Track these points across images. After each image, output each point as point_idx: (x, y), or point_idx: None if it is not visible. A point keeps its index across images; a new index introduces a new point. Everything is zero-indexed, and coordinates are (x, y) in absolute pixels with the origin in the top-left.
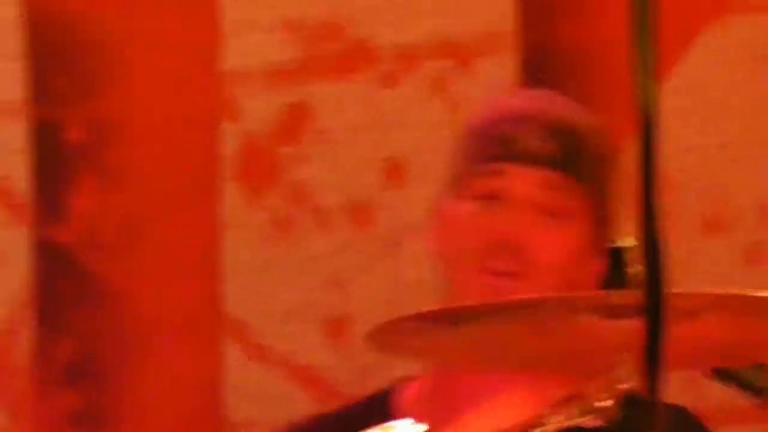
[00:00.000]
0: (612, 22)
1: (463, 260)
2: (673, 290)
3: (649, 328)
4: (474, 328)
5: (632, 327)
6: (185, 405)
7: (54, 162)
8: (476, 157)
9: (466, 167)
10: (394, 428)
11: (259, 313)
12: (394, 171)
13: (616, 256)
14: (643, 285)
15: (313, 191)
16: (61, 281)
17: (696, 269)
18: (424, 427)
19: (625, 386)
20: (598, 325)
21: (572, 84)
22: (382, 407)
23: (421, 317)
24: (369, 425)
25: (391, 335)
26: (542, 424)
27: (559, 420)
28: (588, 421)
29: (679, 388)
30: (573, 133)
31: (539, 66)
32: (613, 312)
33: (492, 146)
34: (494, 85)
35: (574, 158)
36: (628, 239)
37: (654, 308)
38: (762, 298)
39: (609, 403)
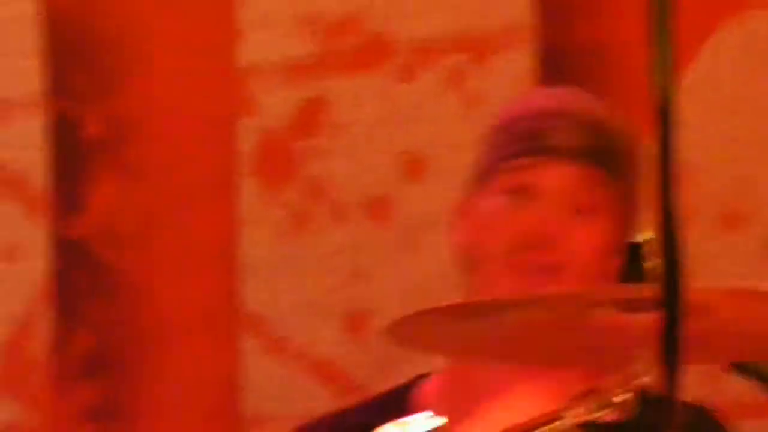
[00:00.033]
0: (630, 19)
1: (493, 254)
2: (691, 284)
3: (666, 322)
4: (492, 323)
5: (650, 321)
6: (203, 399)
7: (72, 157)
8: (507, 150)
9: (495, 161)
10: (412, 421)
11: (276, 307)
12: (412, 165)
13: (634, 250)
14: (660, 279)
15: (331, 186)
16: (78, 275)
17: (714, 263)
18: (443, 419)
19: (642, 380)
20: (616, 320)
21: (589, 80)
22: (402, 402)
23: (440, 311)
24: (388, 420)
25: (409, 329)
26: (560, 418)
27: (577, 414)
28: (606, 415)
29: (697, 383)
30: (603, 129)
31: (556, 61)
32: (631, 306)
33: (523, 140)
34: (511, 80)
35: (604, 153)
36: (645, 233)
37: (672, 302)
38: None
39: (627, 397)
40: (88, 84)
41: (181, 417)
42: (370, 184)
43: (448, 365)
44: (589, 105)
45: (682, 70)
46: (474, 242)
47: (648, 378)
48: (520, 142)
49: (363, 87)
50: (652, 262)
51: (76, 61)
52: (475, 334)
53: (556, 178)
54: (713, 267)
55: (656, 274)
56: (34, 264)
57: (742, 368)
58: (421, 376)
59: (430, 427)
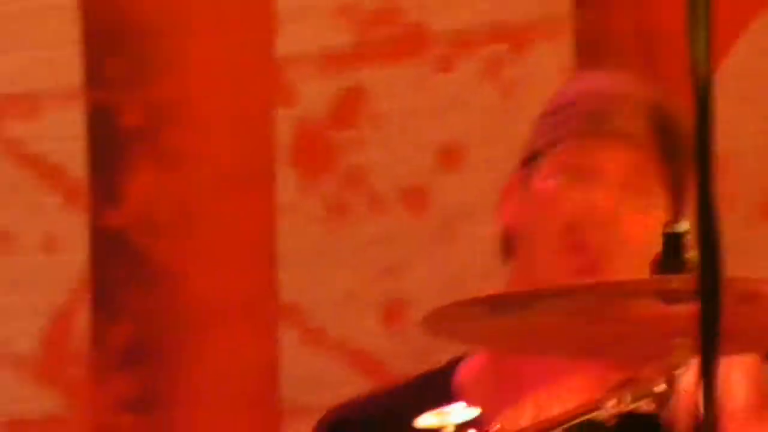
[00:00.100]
0: (668, 8)
1: (548, 234)
2: (729, 274)
3: (704, 312)
4: (529, 313)
5: (688, 312)
6: (240, 389)
7: (110, 147)
8: (565, 131)
9: (552, 141)
10: (448, 413)
11: (314, 297)
12: (449, 155)
13: (673, 240)
14: (699, 269)
15: (368, 176)
16: (117, 265)
17: (752, 253)
18: (477, 410)
19: (680, 371)
20: (655, 310)
21: (626, 69)
22: (441, 385)
23: (476, 302)
24: (427, 403)
25: (447, 320)
26: (598, 409)
27: (615, 405)
28: (644, 405)
29: None
30: (662, 115)
31: (594, 51)
32: (670, 297)
33: (582, 122)
34: (549, 70)
35: (662, 140)
36: (684, 223)
37: (710, 292)
38: None
39: (664, 387)
40: (125, 74)
41: (218, 407)
42: (407, 174)
43: (486, 350)
44: (648, 89)
45: (720, 59)
46: (528, 221)
47: (686, 369)
48: (579, 124)
49: (400, 77)
50: (691, 253)
51: (113, 51)
52: (512, 325)
53: (614, 161)
54: (751, 257)
55: (694, 265)
56: (73, 255)
57: None
58: (458, 359)
59: (468, 417)
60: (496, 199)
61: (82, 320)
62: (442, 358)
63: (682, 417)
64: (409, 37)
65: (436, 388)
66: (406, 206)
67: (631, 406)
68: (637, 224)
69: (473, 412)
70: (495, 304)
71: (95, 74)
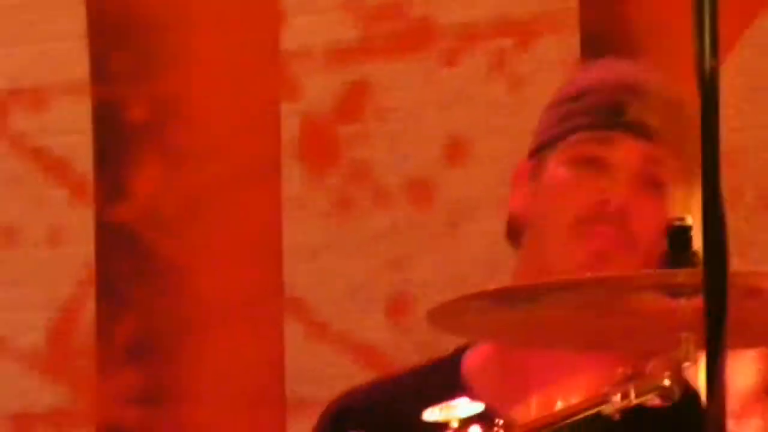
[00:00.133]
0: (673, 1)
1: (559, 223)
2: (735, 268)
3: (710, 306)
4: (535, 307)
5: (694, 305)
6: (246, 383)
7: (116, 141)
8: (580, 121)
9: (566, 130)
10: (453, 407)
11: (319, 292)
12: (454, 149)
13: (679, 234)
14: (705, 262)
15: (373, 170)
16: (122, 259)
17: (757, 247)
18: (481, 405)
19: (687, 365)
20: (660, 304)
21: (632, 61)
22: (446, 374)
23: (482, 296)
24: (432, 391)
25: (452, 314)
26: (604, 403)
27: (621, 399)
28: (650, 400)
29: None
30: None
31: (600, 45)
32: (675, 291)
33: (598, 113)
34: (555, 65)
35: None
36: (690, 217)
37: (715, 286)
38: None
39: (671, 382)
40: (131, 68)
41: (224, 401)
42: (413, 168)
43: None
44: (662, 81)
45: (726, 53)
46: (538, 211)
47: (692, 362)
48: (595, 115)
49: (406, 71)
50: (697, 247)
51: (119, 45)
52: (517, 319)
53: (629, 153)
54: (757, 250)
55: (700, 259)
56: (78, 248)
57: None
58: (464, 348)
59: (472, 412)
60: (501, 193)
61: (87, 314)
62: (446, 351)
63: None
64: (415, 31)
65: (442, 377)
66: (412, 200)
67: (637, 401)
68: (650, 217)
69: (478, 406)
70: (500, 297)
71: (101, 68)
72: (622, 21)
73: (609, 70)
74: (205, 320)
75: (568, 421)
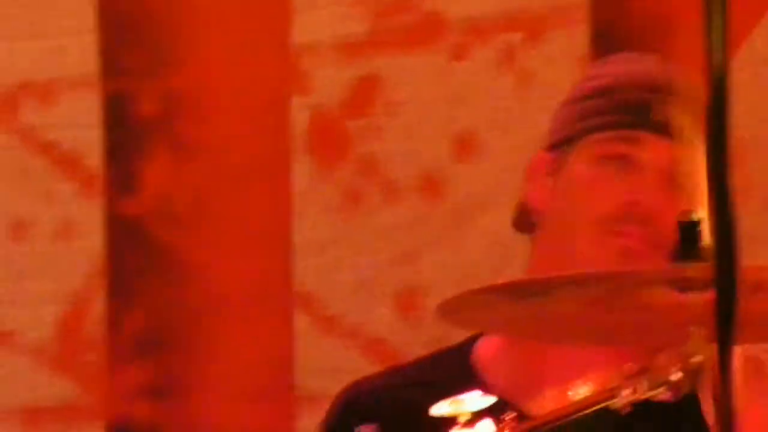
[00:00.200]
0: None
1: (584, 221)
2: (745, 262)
3: (720, 300)
4: (545, 301)
5: (704, 300)
6: (255, 377)
7: (126, 135)
8: (607, 119)
9: (592, 127)
10: (463, 401)
11: (328, 286)
12: (464, 144)
13: (689, 228)
14: (714, 257)
15: (383, 164)
16: (132, 253)
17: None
18: (492, 399)
19: (696, 359)
20: (670, 298)
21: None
22: (458, 363)
23: (492, 290)
24: (444, 380)
25: (461, 308)
26: (613, 397)
27: (630, 393)
28: (659, 394)
29: None
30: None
31: (610, 39)
32: (686, 285)
33: (627, 112)
34: (565, 59)
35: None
36: (699, 212)
37: (725, 281)
38: None
39: (680, 376)
40: (141, 62)
41: (233, 395)
42: (423, 162)
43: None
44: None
45: (736, 47)
46: (560, 206)
47: (702, 357)
48: (621, 113)
49: (416, 65)
50: (707, 241)
51: (130, 39)
52: (526, 314)
53: (657, 153)
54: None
55: (710, 254)
56: (88, 242)
57: None
58: (475, 337)
59: (483, 405)
60: (510, 187)
61: (97, 308)
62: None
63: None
64: (425, 26)
65: (452, 367)
66: (421, 194)
67: (647, 395)
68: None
69: (489, 399)
70: (509, 291)
71: (111, 63)
72: (632, 16)
73: (633, 66)
74: (214, 314)
75: (579, 414)
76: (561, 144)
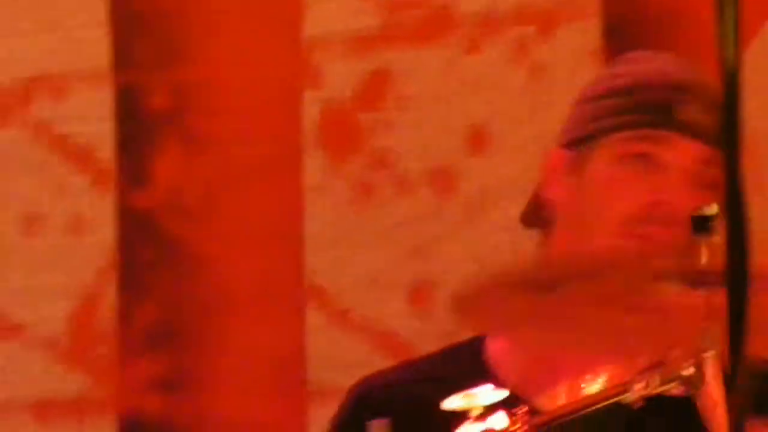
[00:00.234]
0: None
1: (608, 224)
2: (757, 257)
3: (732, 295)
4: (558, 295)
5: (717, 295)
6: (267, 371)
7: (137, 128)
8: (631, 118)
9: (615, 126)
10: (475, 395)
11: (340, 279)
12: (476, 137)
13: (702, 221)
14: (727, 252)
15: (395, 158)
16: (144, 247)
17: None
18: (505, 392)
19: (708, 355)
20: (683, 293)
21: (654, 49)
22: (470, 358)
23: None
24: (456, 375)
25: (475, 299)
26: (626, 392)
27: (643, 387)
28: (672, 389)
29: None
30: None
31: (622, 32)
32: (698, 280)
33: (652, 112)
34: (576, 52)
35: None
36: (711, 206)
37: (738, 275)
38: None
39: (693, 371)
40: (153, 55)
41: (245, 388)
42: (435, 156)
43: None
44: (708, 80)
45: (749, 40)
46: (581, 203)
47: (714, 352)
48: (646, 113)
49: (427, 59)
50: (720, 235)
51: (141, 32)
52: (538, 311)
53: (682, 154)
54: None
55: (722, 248)
56: (100, 236)
57: None
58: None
59: (495, 399)
60: (523, 181)
61: (109, 301)
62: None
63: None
64: (436, 19)
65: (464, 361)
66: (433, 188)
67: (659, 389)
68: None
69: (501, 393)
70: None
71: (123, 56)
72: (644, 9)
73: (654, 65)
74: (226, 308)
75: (592, 408)
76: (580, 142)
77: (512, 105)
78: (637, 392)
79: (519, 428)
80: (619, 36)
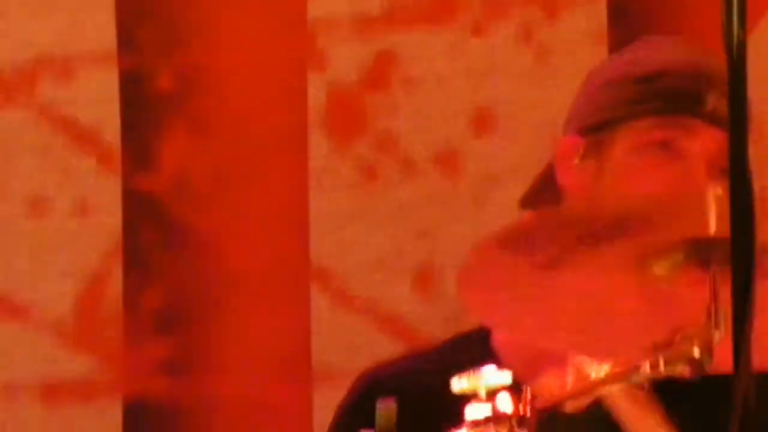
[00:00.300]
0: None
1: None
2: (762, 239)
3: (737, 277)
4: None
5: (722, 276)
6: (272, 353)
7: (143, 111)
8: (649, 107)
9: (632, 114)
10: (480, 376)
11: (346, 262)
12: (482, 120)
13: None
14: (732, 234)
15: (401, 140)
16: (150, 229)
17: None
18: (509, 374)
19: (714, 337)
20: (689, 274)
21: (660, 34)
22: (478, 347)
23: (500, 237)
24: (464, 364)
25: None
26: (632, 374)
27: (650, 369)
28: (678, 371)
29: None
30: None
31: (628, 15)
32: (703, 261)
33: (676, 100)
34: (583, 35)
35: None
36: (716, 189)
37: (743, 257)
38: None
39: (698, 353)
40: (158, 38)
41: (250, 371)
42: (440, 138)
43: None
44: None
45: (754, 22)
46: (600, 191)
47: (719, 334)
48: (671, 101)
49: (433, 41)
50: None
51: (146, 15)
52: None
53: (705, 142)
54: None
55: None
56: (106, 218)
57: None
58: None
59: (500, 381)
60: (528, 164)
61: (114, 284)
62: (473, 323)
63: None
64: (442, 1)
65: (473, 351)
66: (439, 171)
67: (667, 371)
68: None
69: (506, 375)
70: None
71: (129, 38)
72: None
73: (679, 53)
74: (231, 290)
75: (598, 392)
76: (598, 128)
77: (518, 87)
78: (643, 374)
79: (524, 412)
80: (625, 19)
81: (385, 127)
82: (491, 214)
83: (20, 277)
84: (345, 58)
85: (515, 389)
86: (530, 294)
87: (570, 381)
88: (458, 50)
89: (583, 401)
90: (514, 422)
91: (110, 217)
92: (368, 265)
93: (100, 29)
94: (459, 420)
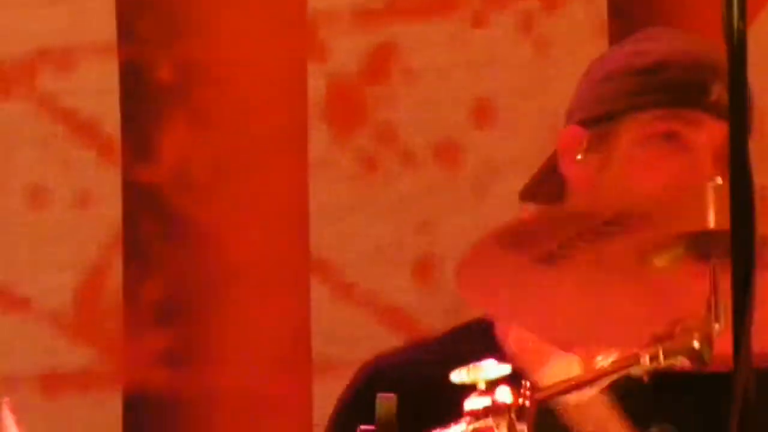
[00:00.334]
0: None
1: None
2: (762, 231)
3: (737, 268)
4: (561, 267)
5: (722, 268)
6: (272, 345)
7: (143, 103)
8: (655, 98)
9: (637, 105)
10: (480, 369)
11: (345, 253)
12: (483, 111)
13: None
14: (732, 226)
15: (401, 131)
16: (150, 221)
17: None
18: (509, 367)
19: (714, 329)
20: (689, 266)
21: (661, 25)
22: (480, 337)
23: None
24: (466, 355)
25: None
26: (632, 365)
27: (650, 361)
28: (678, 362)
29: None
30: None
31: (628, 7)
32: (703, 253)
33: (681, 92)
34: (583, 26)
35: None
36: (716, 180)
37: (743, 249)
38: None
39: (698, 345)
40: (158, 29)
41: (250, 362)
42: (440, 130)
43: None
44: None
45: (754, 14)
46: (604, 182)
47: (719, 326)
48: (677, 92)
49: (433, 33)
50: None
51: (146, 7)
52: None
53: (714, 135)
54: None
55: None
56: (106, 210)
57: None
58: None
59: (500, 373)
60: (529, 155)
61: (114, 276)
62: (473, 314)
63: None
64: None
65: (475, 341)
66: (439, 162)
67: (666, 363)
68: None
69: (505, 367)
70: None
71: (129, 29)
72: None
73: (684, 45)
74: (231, 282)
75: (598, 383)
76: (601, 119)
77: (518, 79)
78: (644, 365)
79: (523, 403)
80: (625, 10)
81: (385, 118)
82: (491, 205)
83: (20, 268)
84: (345, 50)
85: (515, 381)
86: (530, 289)
87: (573, 371)
88: (458, 42)
89: (585, 393)
90: (513, 414)
91: (110, 209)
92: (368, 257)
93: (101, 20)
94: (459, 411)
